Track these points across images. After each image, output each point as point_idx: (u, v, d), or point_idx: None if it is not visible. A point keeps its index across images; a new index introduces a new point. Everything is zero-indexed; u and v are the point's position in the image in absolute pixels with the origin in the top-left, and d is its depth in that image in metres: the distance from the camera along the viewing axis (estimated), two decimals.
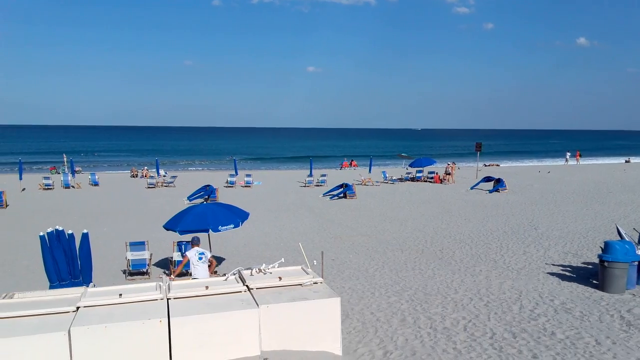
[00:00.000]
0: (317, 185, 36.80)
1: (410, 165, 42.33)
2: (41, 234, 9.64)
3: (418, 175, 40.56)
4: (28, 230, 20.09)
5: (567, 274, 13.31)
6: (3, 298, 8.10)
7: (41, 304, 7.74)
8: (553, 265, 14.25)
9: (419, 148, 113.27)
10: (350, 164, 59.52)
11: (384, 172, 42.11)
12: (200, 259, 11.25)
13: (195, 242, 11.63)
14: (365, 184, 37.38)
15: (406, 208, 26.07)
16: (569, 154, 66.68)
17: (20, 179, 36.02)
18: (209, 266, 11.25)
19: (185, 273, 13.52)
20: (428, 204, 27.49)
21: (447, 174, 38.86)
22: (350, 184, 31.15)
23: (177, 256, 13.96)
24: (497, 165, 62.06)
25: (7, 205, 26.89)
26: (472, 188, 33.98)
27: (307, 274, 8.88)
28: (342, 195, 30.23)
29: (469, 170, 49.43)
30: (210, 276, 11.58)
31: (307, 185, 37.22)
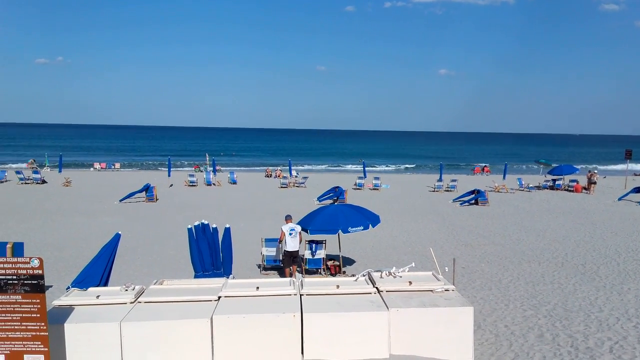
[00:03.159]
0: (447, 191, 35.93)
1: (549, 173, 39.87)
2: (189, 226, 10.44)
3: (557, 183, 38.03)
4: (174, 223, 21.88)
5: None
6: (154, 284, 8.90)
7: (187, 292, 8.39)
8: None
9: (561, 154, 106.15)
10: (483, 169, 57.34)
11: (519, 179, 40.00)
12: (290, 234, 13.51)
13: (288, 218, 13.83)
14: (498, 191, 35.81)
15: (544, 217, 24.54)
16: None
17: (169, 175, 39.51)
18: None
19: (312, 271, 14.00)
20: (569, 214, 25.65)
21: (592, 184, 35.90)
22: (483, 191, 30.01)
23: (307, 254, 14.37)
24: None
25: (157, 200, 29.52)
26: (620, 199, 31.14)
27: (439, 280, 8.71)
28: (473, 201, 29.22)
29: (617, 179, 45.31)
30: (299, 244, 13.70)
31: (436, 190, 36.51)
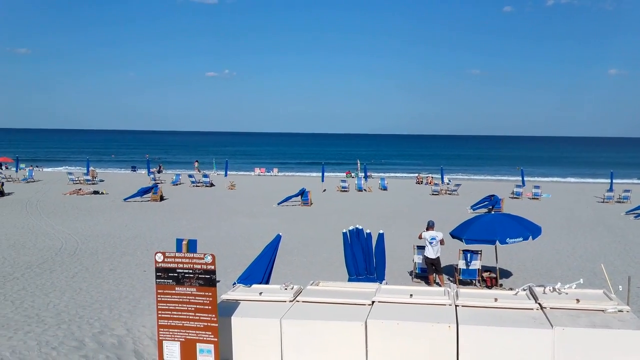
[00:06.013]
0: (619, 202, 32.68)
1: None
2: (344, 231, 10.71)
3: None
4: (328, 227, 22.57)
5: None
6: (311, 285, 9.26)
7: (342, 294, 8.60)
8: None
9: None
10: None
11: None
12: (431, 242, 13.47)
13: (430, 226, 13.90)
14: None
15: None
16: None
17: (322, 180, 40.88)
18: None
19: (466, 282, 13.58)
20: None
21: None
22: None
23: (462, 264, 13.96)
24: None
25: (311, 204, 30.71)
26: None
27: (611, 299, 7.93)
28: None
29: None
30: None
31: (605, 200, 33.38)
